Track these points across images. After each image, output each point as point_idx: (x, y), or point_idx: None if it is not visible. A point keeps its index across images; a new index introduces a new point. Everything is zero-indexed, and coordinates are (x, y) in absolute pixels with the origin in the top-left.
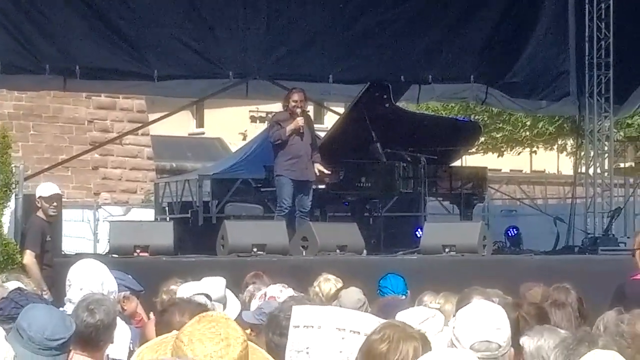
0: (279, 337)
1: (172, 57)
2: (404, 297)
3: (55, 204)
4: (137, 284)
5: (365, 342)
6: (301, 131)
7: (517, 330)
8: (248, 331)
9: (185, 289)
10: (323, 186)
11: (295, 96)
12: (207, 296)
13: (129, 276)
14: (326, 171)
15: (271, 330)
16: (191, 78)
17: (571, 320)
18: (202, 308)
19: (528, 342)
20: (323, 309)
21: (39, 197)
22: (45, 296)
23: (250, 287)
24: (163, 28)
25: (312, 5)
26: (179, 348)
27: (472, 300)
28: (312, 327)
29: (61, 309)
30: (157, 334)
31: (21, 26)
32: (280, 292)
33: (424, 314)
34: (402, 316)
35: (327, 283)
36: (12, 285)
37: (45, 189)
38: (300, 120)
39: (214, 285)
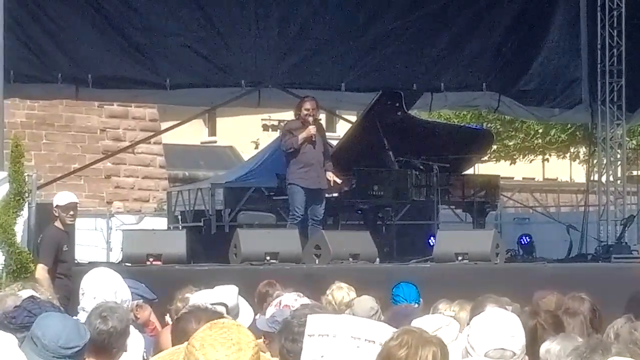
0: (292, 342)
1: (184, 66)
2: (416, 305)
3: (72, 212)
4: (150, 292)
5: (383, 349)
6: (313, 139)
7: (535, 339)
8: (261, 340)
9: (198, 297)
10: (336, 194)
11: (307, 104)
12: (225, 305)
13: (142, 284)
14: (338, 180)
15: (284, 336)
16: (203, 86)
17: (583, 330)
18: (218, 316)
19: (545, 347)
20: (338, 318)
21: (56, 206)
22: None
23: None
24: (175, 37)
25: (323, 14)
26: (190, 353)
27: (486, 308)
28: (327, 335)
29: (75, 317)
30: (173, 342)
31: (34, 35)
32: (295, 300)
33: (438, 322)
34: (416, 324)
35: (340, 291)
36: (26, 293)
37: (62, 197)
38: (312, 129)
39: (227, 293)
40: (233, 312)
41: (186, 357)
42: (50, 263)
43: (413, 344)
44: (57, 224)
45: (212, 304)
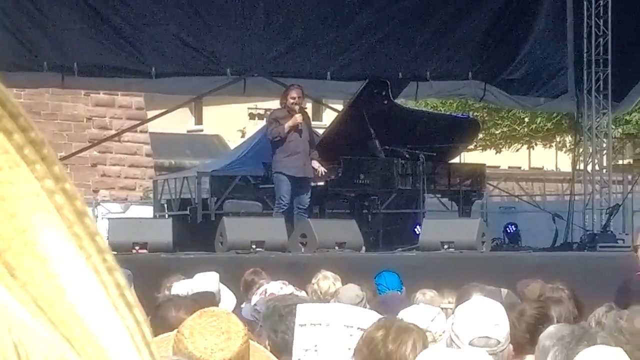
0: (279, 332)
1: (170, 54)
2: (399, 293)
3: None
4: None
5: (365, 336)
6: (299, 128)
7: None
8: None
9: (180, 287)
10: (322, 183)
11: (293, 93)
12: (208, 293)
13: (129, 271)
14: (323, 169)
15: (270, 325)
16: (189, 75)
17: (569, 318)
18: (198, 304)
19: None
20: (329, 307)
21: None
22: None
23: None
24: (160, 25)
25: (309, 2)
26: (179, 341)
27: (472, 296)
28: (320, 324)
29: None
30: (153, 329)
31: (19, 23)
32: (280, 289)
33: (429, 313)
34: (405, 315)
35: (326, 281)
36: None
37: None
38: (298, 117)
39: (208, 280)
40: (215, 299)
41: (175, 345)
42: None
43: (393, 330)
44: None
45: (194, 292)
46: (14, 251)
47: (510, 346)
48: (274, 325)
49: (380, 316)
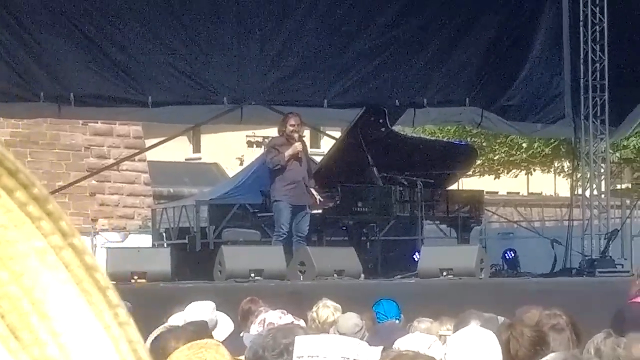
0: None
1: (166, 84)
2: (397, 321)
3: None
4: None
5: None
6: (299, 156)
7: (508, 351)
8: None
9: (177, 318)
10: (320, 211)
11: (292, 120)
12: (203, 322)
13: (128, 303)
14: (319, 197)
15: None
16: (185, 104)
17: (569, 346)
18: (197, 335)
19: None
20: (326, 338)
21: None
22: None
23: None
24: (157, 55)
25: (305, 31)
26: None
27: (470, 323)
28: (318, 357)
29: None
30: None
31: (15, 54)
32: (279, 318)
33: (424, 342)
34: (401, 344)
35: (325, 310)
36: None
37: None
38: (298, 146)
39: (202, 309)
40: (207, 327)
41: None
42: None
43: None
44: None
45: (188, 324)
46: (20, 311)
47: None
48: (277, 357)
49: (378, 347)
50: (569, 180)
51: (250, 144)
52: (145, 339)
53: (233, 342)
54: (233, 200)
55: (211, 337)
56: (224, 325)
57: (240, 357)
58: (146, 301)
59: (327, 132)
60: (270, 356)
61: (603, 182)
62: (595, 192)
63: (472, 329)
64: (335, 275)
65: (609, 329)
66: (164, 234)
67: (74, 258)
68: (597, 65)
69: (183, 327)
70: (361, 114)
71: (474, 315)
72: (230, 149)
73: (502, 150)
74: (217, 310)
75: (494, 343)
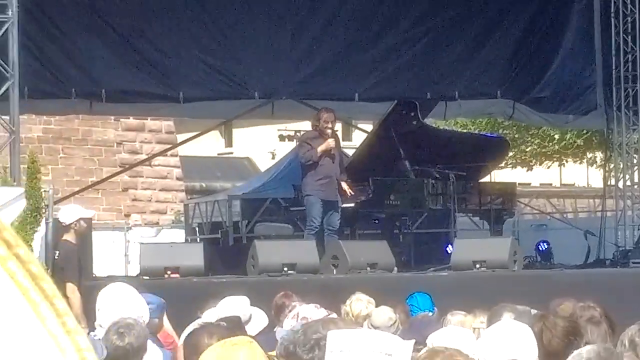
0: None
1: (197, 79)
2: (431, 314)
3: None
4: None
5: None
6: (332, 153)
7: (541, 342)
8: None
9: (210, 313)
10: (352, 204)
11: (326, 116)
12: (238, 318)
13: (160, 299)
14: (350, 191)
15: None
16: (216, 99)
17: (606, 339)
18: (230, 332)
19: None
20: (358, 333)
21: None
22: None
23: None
24: (188, 50)
25: (336, 24)
26: None
27: (502, 317)
28: (350, 351)
29: (92, 333)
30: (185, 356)
31: (47, 51)
32: (313, 312)
33: (457, 335)
34: (434, 338)
35: (359, 303)
36: None
37: (82, 210)
38: (331, 142)
39: (236, 304)
40: (241, 322)
41: None
42: (78, 280)
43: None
44: (70, 238)
45: (221, 319)
46: None
47: None
48: (308, 352)
49: (410, 341)
50: (601, 171)
51: (282, 138)
52: (179, 334)
53: (267, 337)
54: (265, 195)
55: (245, 333)
56: (258, 320)
57: (272, 353)
58: (179, 296)
59: (359, 125)
60: (302, 351)
61: (636, 173)
62: (628, 183)
63: (507, 322)
64: (368, 268)
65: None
66: (196, 229)
67: (19, 268)
68: (629, 56)
69: (216, 324)
70: (393, 107)
71: (507, 308)
72: (262, 143)
73: (535, 142)
74: (251, 304)
75: (529, 336)
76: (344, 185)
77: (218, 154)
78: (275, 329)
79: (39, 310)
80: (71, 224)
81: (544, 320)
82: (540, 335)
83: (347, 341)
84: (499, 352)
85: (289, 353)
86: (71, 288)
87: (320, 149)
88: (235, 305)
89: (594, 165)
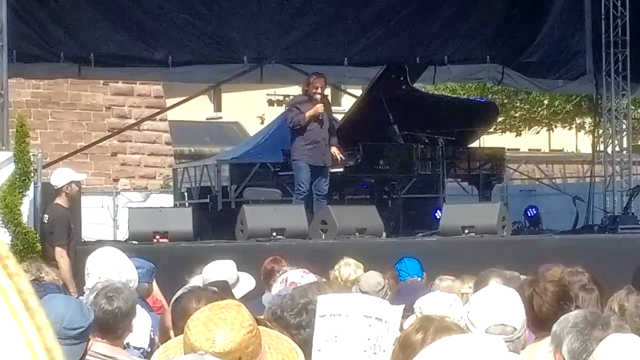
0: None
1: (186, 43)
2: (420, 279)
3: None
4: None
5: (400, 338)
6: (320, 118)
7: (531, 308)
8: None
9: (198, 279)
10: (341, 169)
11: (317, 82)
12: (225, 282)
13: (149, 262)
14: (341, 156)
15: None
16: (205, 63)
17: (597, 305)
18: (218, 295)
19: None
20: (348, 297)
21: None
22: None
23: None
24: (177, 14)
25: None
26: (185, 334)
27: (490, 282)
28: (340, 315)
29: (81, 297)
30: (173, 321)
31: (35, 14)
32: (301, 277)
33: (445, 300)
34: (422, 303)
35: (347, 268)
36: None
37: (73, 173)
38: (319, 107)
39: (222, 268)
40: (228, 286)
41: (184, 338)
42: (67, 243)
43: (432, 331)
44: (61, 201)
45: (210, 283)
46: None
47: (527, 332)
48: (296, 316)
49: (400, 306)
50: (590, 136)
51: (271, 102)
52: (168, 299)
53: (254, 303)
54: (254, 159)
55: (233, 297)
56: (245, 283)
57: (261, 317)
58: (168, 261)
59: (348, 90)
60: (289, 316)
61: (625, 139)
62: (617, 149)
63: (494, 287)
64: (357, 233)
65: (630, 285)
66: (185, 194)
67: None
68: (619, 21)
69: (204, 288)
70: (382, 71)
71: (494, 273)
72: (251, 108)
73: (524, 108)
74: (239, 269)
75: (517, 301)
76: (335, 150)
77: (207, 119)
78: (263, 295)
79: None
80: (63, 187)
81: (534, 286)
82: (530, 301)
83: (338, 305)
84: (486, 316)
85: (277, 317)
86: (59, 252)
87: (308, 114)
88: (221, 269)
89: (583, 131)
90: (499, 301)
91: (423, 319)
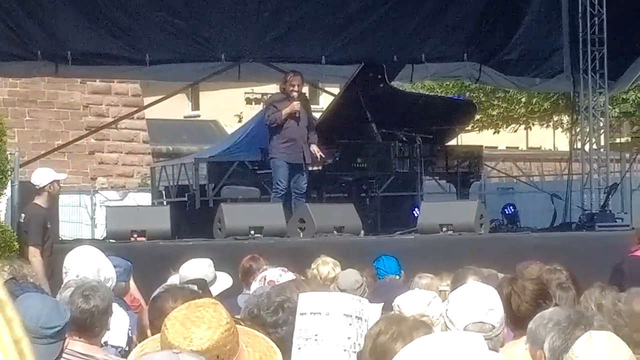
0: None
1: (164, 41)
2: (398, 277)
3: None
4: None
5: (376, 343)
6: (297, 115)
7: (510, 306)
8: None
9: (175, 279)
10: (319, 167)
11: (293, 80)
12: (202, 280)
13: (126, 261)
14: (320, 154)
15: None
16: (182, 62)
17: (574, 304)
18: (195, 294)
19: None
20: (329, 296)
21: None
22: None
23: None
24: (154, 12)
25: None
26: (162, 332)
27: (467, 279)
28: (320, 313)
29: (58, 296)
30: (150, 321)
31: (12, 12)
32: (279, 275)
33: (424, 298)
34: (402, 301)
35: (325, 266)
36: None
37: (55, 173)
38: (296, 105)
39: (199, 266)
40: (206, 285)
41: (161, 336)
42: (41, 244)
43: (400, 330)
44: (39, 201)
45: (186, 280)
46: None
47: (505, 330)
48: (272, 315)
49: (379, 304)
50: (568, 134)
51: (249, 101)
52: (145, 298)
53: (232, 300)
54: (232, 158)
55: (211, 295)
56: (221, 281)
57: (238, 316)
58: (146, 259)
59: (326, 88)
60: (265, 314)
61: (602, 136)
62: (594, 147)
63: (473, 285)
64: (335, 231)
65: (604, 282)
66: (163, 192)
67: None
68: (596, 19)
69: (180, 287)
70: (359, 70)
71: (470, 271)
72: (229, 106)
73: (501, 105)
74: (218, 268)
75: (495, 298)
76: (314, 148)
77: (185, 117)
78: (240, 294)
79: None
80: (45, 186)
81: (512, 285)
82: (508, 299)
83: (318, 304)
84: (465, 314)
85: (253, 316)
86: (32, 251)
87: (285, 111)
88: (198, 267)
89: (561, 129)
90: (478, 299)
91: (390, 320)
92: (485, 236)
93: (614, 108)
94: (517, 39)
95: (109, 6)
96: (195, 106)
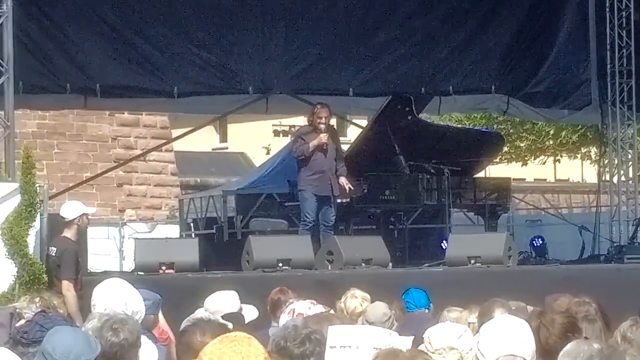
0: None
1: (192, 74)
2: (427, 311)
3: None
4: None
5: None
6: (324, 147)
7: (538, 340)
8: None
9: (202, 312)
10: (347, 199)
11: (322, 113)
12: (231, 314)
13: (156, 294)
14: (349, 186)
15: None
16: (210, 94)
17: (600, 337)
18: (223, 328)
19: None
20: (358, 329)
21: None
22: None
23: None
24: (182, 45)
25: (330, 19)
26: None
27: (494, 313)
28: (350, 347)
29: (82, 328)
30: (178, 355)
31: (42, 46)
32: (308, 308)
33: (456, 331)
34: (432, 333)
35: (354, 300)
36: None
37: (84, 206)
38: (323, 137)
39: (229, 301)
40: (242, 319)
41: None
42: (74, 277)
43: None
44: (69, 234)
45: (224, 316)
46: None
47: None
48: (299, 346)
49: (409, 337)
50: (596, 166)
51: (276, 133)
52: (174, 330)
53: (262, 332)
54: (260, 190)
55: (245, 330)
56: (247, 313)
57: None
58: (174, 292)
59: (354, 120)
60: (292, 346)
61: (630, 168)
62: (622, 178)
63: (505, 318)
64: (363, 264)
65: (636, 316)
66: (191, 224)
67: None
68: (624, 51)
69: (207, 320)
70: (387, 102)
71: (498, 303)
72: (257, 138)
73: (529, 138)
74: (245, 300)
75: (527, 331)
76: (343, 180)
77: (213, 149)
78: (271, 327)
79: None
80: (75, 219)
81: (541, 317)
82: (537, 332)
83: (348, 337)
84: (497, 347)
85: (280, 348)
86: (67, 285)
87: (312, 143)
88: (223, 299)
89: (589, 161)
90: (509, 332)
91: (385, 351)
92: (513, 268)
93: None
94: (545, 71)
95: (137, 39)
96: (223, 138)
